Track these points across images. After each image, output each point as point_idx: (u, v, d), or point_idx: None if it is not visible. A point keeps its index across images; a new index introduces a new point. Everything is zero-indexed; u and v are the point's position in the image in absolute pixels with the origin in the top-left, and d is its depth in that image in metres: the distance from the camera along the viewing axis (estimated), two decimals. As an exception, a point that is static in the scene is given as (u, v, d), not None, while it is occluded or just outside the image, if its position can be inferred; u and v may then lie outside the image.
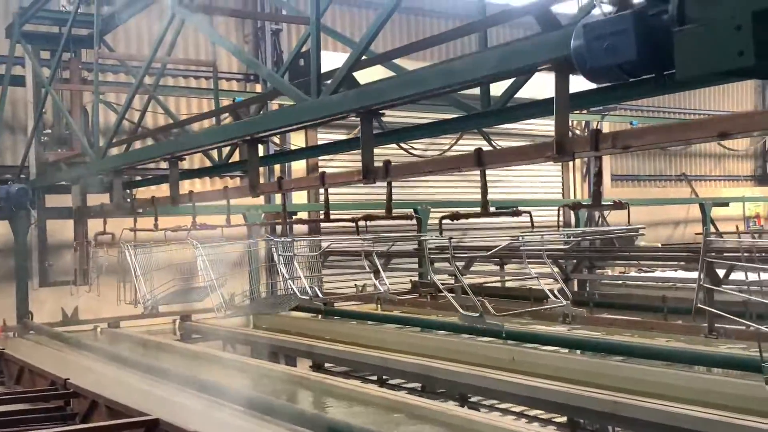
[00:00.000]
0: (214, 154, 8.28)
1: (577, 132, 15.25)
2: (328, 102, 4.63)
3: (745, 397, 5.08)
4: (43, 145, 9.82)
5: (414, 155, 13.63)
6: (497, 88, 4.84)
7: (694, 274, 6.26)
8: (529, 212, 5.72)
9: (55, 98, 9.09)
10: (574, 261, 9.49)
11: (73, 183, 9.24)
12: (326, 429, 4.62)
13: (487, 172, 4.63)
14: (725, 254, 6.47)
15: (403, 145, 13.01)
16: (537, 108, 4.72)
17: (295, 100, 5.05)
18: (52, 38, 9.78)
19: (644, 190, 18.44)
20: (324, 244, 8.63)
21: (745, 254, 5.31)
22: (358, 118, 4.74)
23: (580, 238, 9.56)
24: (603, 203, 6.64)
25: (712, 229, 13.70)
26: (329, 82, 4.82)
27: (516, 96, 4.94)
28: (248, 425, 5.00)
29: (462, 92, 4.47)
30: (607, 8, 2.47)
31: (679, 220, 18.16)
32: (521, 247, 7.62)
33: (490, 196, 4.80)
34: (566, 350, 6.70)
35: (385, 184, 5.26)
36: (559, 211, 5.12)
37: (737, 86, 19.38)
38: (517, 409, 6.12)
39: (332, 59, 6.11)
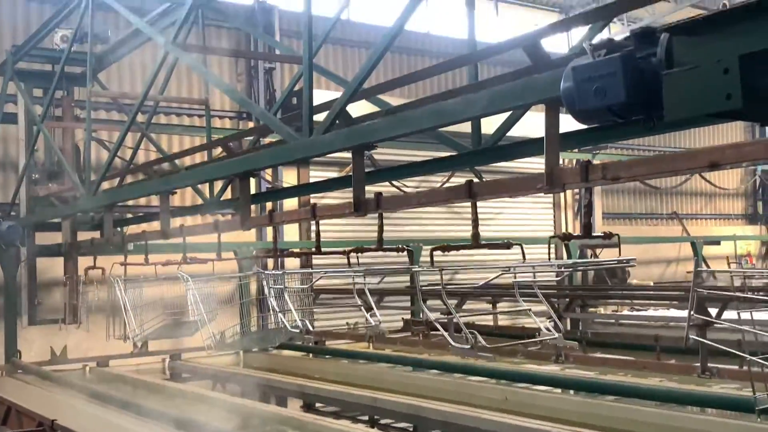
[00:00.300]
0: (206, 190, 8.28)
1: (569, 170, 15.31)
2: (320, 141, 4.64)
3: (738, 438, 5.04)
4: (34, 181, 9.82)
5: (406, 193, 13.65)
6: (488, 123, 4.85)
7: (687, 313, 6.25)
8: (520, 244, 5.70)
9: (47, 136, 9.10)
10: (567, 300, 9.48)
11: (63, 219, 9.21)
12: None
13: (479, 210, 4.64)
14: (717, 292, 6.47)
15: (395, 182, 13.04)
16: (530, 147, 4.74)
17: (287, 139, 5.07)
18: (45, 76, 9.83)
19: (636, 228, 18.52)
20: (315, 276, 8.59)
21: (737, 293, 5.31)
22: (350, 153, 4.75)
23: (571, 269, 9.54)
24: (593, 235, 6.64)
25: (704, 267, 13.73)
26: (322, 118, 4.83)
27: (508, 134, 4.97)
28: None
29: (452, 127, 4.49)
30: (597, 51, 2.49)
31: (671, 259, 18.21)
32: (513, 279, 7.60)
33: (481, 234, 4.80)
34: (559, 390, 6.65)
35: (376, 223, 5.26)
36: (549, 241, 5.11)
37: (727, 124, 19.57)
38: (510, 450, 6.05)
39: (324, 97, 6.15)
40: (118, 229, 9.05)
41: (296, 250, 11.54)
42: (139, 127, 8.88)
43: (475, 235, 4.77)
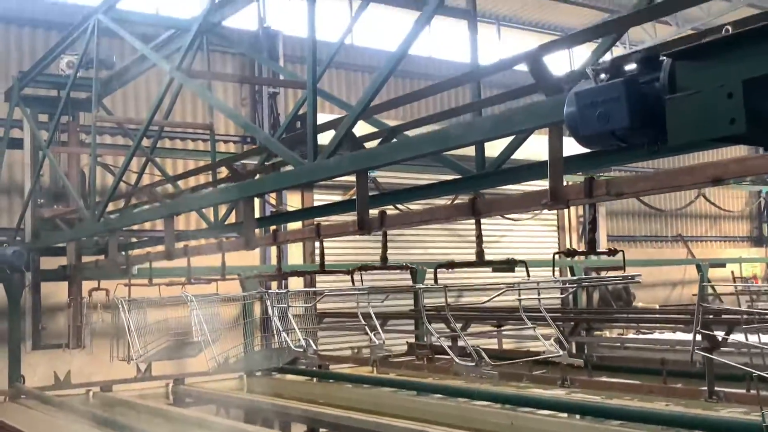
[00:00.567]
0: (210, 214, 8.29)
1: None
2: (325, 165, 4.65)
3: (747, 464, 4.99)
4: (39, 205, 9.84)
5: (410, 210, 13.66)
6: (492, 145, 4.86)
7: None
8: (524, 262, 5.68)
9: (52, 161, 9.13)
10: (572, 323, 9.43)
11: (68, 243, 9.23)
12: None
13: (483, 233, 4.64)
14: (722, 315, 6.44)
15: (399, 206, 13.04)
16: (534, 170, 4.74)
17: (291, 164, 5.08)
18: (51, 101, 9.90)
19: (641, 251, 18.47)
20: (319, 296, 8.56)
21: (744, 316, 5.28)
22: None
23: (576, 286, 9.50)
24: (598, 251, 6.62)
25: (710, 290, 13.68)
26: (325, 138, 4.84)
27: (512, 157, 4.98)
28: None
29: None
30: (600, 76, 2.49)
31: (676, 281, 18.14)
32: (517, 298, 7.56)
33: (485, 256, 4.80)
34: (565, 414, 6.60)
35: (379, 246, 5.26)
36: (554, 257, 5.09)
37: (733, 147, 19.57)
38: (516, 475, 6.00)
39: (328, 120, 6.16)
40: (122, 253, 9.06)
41: (300, 270, 11.54)
42: (143, 151, 8.91)
43: (479, 252, 4.77)
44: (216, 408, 8.96)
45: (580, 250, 5.03)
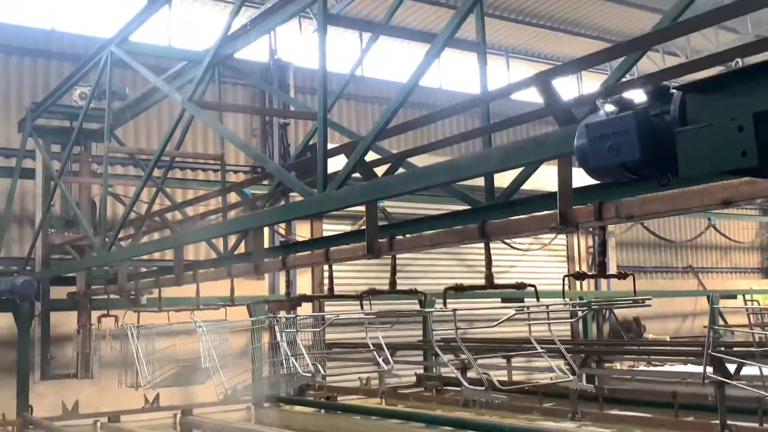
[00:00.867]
0: (219, 243, 8.30)
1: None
2: (335, 196, 4.66)
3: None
4: (49, 234, 9.89)
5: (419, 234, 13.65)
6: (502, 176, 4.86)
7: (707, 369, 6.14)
8: (533, 285, 5.64)
9: (64, 191, 9.17)
10: (582, 355, 9.36)
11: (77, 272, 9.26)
12: None
13: (492, 263, 4.63)
14: (733, 348, 6.38)
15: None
16: (544, 201, 4.72)
17: (302, 195, 5.09)
18: (63, 132, 9.99)
19: (651, 282, 18.36)
20: (327, 319, 8.53)
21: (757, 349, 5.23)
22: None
23: (586, 309, 9.39)
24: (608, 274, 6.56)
25: (720, 322, 13.57)
26: (335, 163, 4.85)
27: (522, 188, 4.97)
28: None
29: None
30: (610, 108, 2.50)
31: (687, 313, 18.02)
32: (527, 322, 7.49)
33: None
34: (576, 448, 6.54)
35: (387, 273, 5.25)
36: (564, 280, 5.06)
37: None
38: None
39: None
40: (132, 282, 9.08)
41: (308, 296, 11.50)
42: (154, 181, 8.96)
43: (489, 275, 4.75)
44: (224, 439, 8.89)
45: (590, 273, 5.01)
